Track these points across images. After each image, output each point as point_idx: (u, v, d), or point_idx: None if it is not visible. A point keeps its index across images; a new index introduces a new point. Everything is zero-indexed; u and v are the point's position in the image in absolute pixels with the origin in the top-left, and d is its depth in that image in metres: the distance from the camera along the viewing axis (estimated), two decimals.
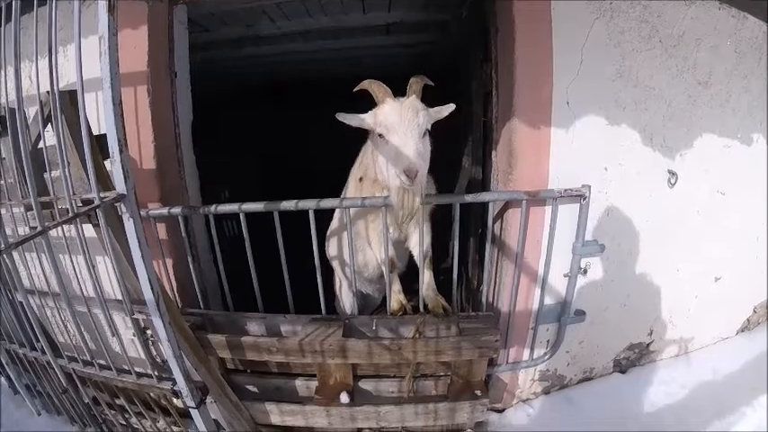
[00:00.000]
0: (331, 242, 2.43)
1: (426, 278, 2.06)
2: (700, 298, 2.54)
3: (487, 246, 2.13)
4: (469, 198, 1.96)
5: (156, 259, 2.21)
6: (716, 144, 2.26)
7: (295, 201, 1.91)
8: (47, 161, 1.72)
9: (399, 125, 1.67)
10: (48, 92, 1.60)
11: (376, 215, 2.02)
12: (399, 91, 1.82)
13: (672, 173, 2.21)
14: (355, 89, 1.86)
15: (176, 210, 2.08)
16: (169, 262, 2.28)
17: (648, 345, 2.58)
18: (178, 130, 2.38)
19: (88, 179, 1.57)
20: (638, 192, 2.21)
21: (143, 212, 2.12)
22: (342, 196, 2.20)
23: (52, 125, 1.67)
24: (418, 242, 2.02)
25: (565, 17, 1.98)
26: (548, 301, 2.26)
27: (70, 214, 1.49)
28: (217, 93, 4.70)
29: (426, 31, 3.55)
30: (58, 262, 1.73)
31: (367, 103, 1.83)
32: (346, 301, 2.57)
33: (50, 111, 1.61)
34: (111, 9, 1.36)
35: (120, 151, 1.43)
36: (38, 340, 1.87)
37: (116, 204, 1.50)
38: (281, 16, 3.02)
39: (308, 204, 1.91)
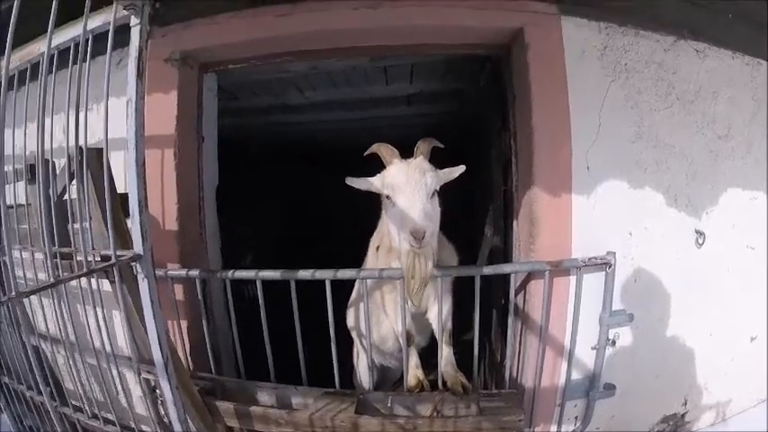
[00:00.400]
0: (350, 312, 2.35)
1: (445, 353, 1.94)
2: (735, 360, 2.35)
3: (510, 318, 2.03)
4: (489, 270, 1.88)
5: (171, 319, 2.16)
6: (741, 197, 2.17)
7: (312, 270, 1.86)
8: (70, 213, 1.73)
9: (406, 185, 1.65)
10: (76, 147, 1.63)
11: (393, 286, 1.94)
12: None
13: (699, 232, 2.12)
14: (366, 153, 1.86)
15: (194, 272, 2.05)
16: (184, 323, 2.21)
17: (684, 415, 2.36)
18: (202, 193, 2.39)
19: (108, 235, 1.56)
20: (665, 255, 2.11)
21: (161, 272, 2.09)
22: (362, 266, 2.14)
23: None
24: (437, 312, 1.92)
25: (580, 81, 1.98)
26: (575, 375, 2.10)
27: (85, 269, 1.47)
28: (243, 154, 4.82)
29: (444, 101, 3.63)
30: (74, 312, 1.73)
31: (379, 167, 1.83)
32: (363, 374, 2.45)
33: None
34: (141, 74, 1.41)
35: (140, 212, 1.43)
36: (47, 385, 1.80)
37: (132, 264, 1.48)
38: (308, 87, 3.12)
39: (325, 275, 1.85)
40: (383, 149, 1.79)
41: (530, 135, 1.99)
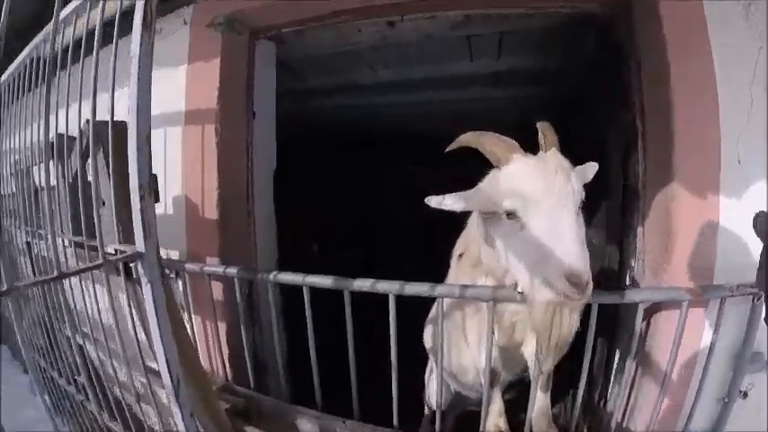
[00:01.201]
0: (428, 329, 1.89)
1: (540, 401, 1.44)
2: None
3: (629, 360, 1.49)
4: (612, 298, 1.33)
5: (209, 321, 1.87)
6: None
7: (371, 281, 1.42)
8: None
9: (547, 196, 1.05)
10: (88, 120, 1.31)
11: (478, 308, 1.46)
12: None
13: None
14: (451, 148, 1.24)
15: (232, 270, 1.70)
16: (222, 327, 1.88)
17: None
18: (252, 176, 2.04)
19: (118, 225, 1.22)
20: None
21: (196, 267, 1.78)
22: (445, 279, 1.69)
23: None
24: (536, 351, 1.39)
25: (722, 45, 1.41)
26: (693, 427, 1.52)
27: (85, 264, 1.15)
28: (303, 140, 4.49)
29: (538, 81, 3.05)
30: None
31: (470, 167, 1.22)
32: (433, 395, 2.00)
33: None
34: (147, 26, 1.02)
35: (142, 199, 1.06)
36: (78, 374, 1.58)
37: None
38: (379, 62, 2.69)
39: (389, 288, 1.39)
40: (488, 141, 1.17)
41: (666, 112, 1.44)
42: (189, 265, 1.82)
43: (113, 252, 1.27)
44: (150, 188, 1.09)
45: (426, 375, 2.18)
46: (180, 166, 1.93)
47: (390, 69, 2.76)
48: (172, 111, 1.91)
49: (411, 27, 2.05)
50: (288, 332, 2.26)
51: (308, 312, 1.57)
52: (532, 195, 1.06)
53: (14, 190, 1.86)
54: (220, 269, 1.72)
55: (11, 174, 1.90)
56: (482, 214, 1.23)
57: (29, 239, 1.82)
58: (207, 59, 1.79)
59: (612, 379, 1.68)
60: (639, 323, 1.43)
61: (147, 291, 1.10)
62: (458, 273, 1.54)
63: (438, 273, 1.69)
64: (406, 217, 5.72)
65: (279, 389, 1.85)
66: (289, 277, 1.58)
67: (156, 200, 1.58)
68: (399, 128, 4.80)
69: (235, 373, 1.91)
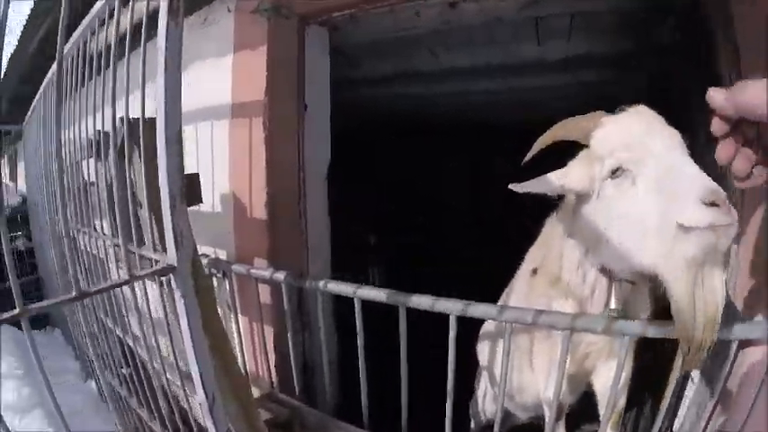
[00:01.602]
0: (482, 344, 1.71)
1: None
2: None
3: (710, 396, 1.23)
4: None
5: (257, 324, 1.76)
6: None
7: (431, 298, 1.25)
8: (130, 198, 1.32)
9: (655, 138, 0.92)
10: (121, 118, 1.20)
11: (549, 333, 1.26)
12: None
13: None
14: (531, 154, 1.09)
15: (279, 275, 1.57)
16: (269, 332, 1.77)
17: None
18: (303, 173, 1.91)
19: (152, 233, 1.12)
20: None
21: (243, 269, 1.67)
22: (508, 289, 1.48)
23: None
24: (609, 382, 1.13)
25: None
26: None
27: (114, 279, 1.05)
28: (358, 130, 4.32)
29: (610, 67, 2.72)
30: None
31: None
32: (481, 407, 1.90)
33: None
34: (174, 12, 0.87)
35: (173, 207, 0.93)
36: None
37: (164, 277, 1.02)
38: (441, 46, 2.47)
39: (451, 308, 1.21)
40: (568, 124, 1.06)
41: None
42: (236, 267, 1.72)
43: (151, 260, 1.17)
44: (182, 195, 0.96)
45: (476, 383, 2.02)
46: (227, 161, 1.82)
47: (452, 54, 2.53)
48: (218, 104, 1.80)
49: (475, 9, 1.83)
50: (339, 338, 2.15)
51: (359, 326, 1.42)
52: (639, 140, 0.93)
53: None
54: (267, 273, 1.61)
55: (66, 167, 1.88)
56: (583, 206, 1.07)
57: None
58: (253, 48, 1.67)
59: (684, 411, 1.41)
60: (731, 361, 1.15)
61: (179, 305, 1.00)
62: (530, 292, 1.33)
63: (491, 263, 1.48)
64: (465, 206, 5.49)
65: (325, 400, 1.73)
66: (339, 287, 1.44)
67: (199, 201, 1.49)
68: (459, 117, 4.54)
69: (281, 380, 1.80)
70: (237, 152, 1.78)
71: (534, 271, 1.31)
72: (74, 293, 0.86)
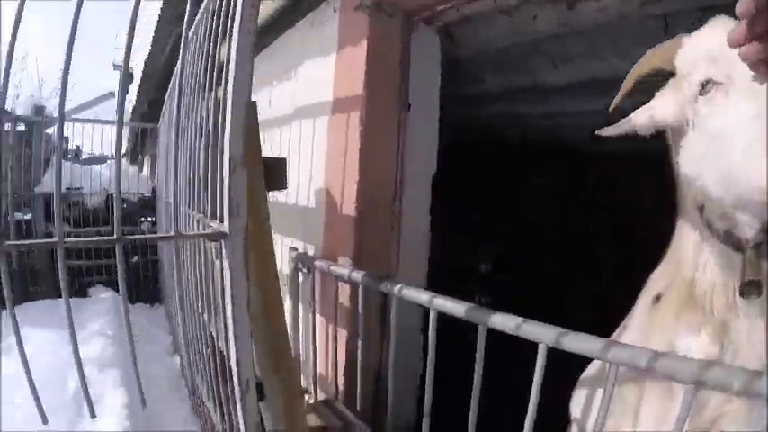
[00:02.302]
0: (578, 394, 1.42)
1: None
2: None
3: None
4: None
5: (333, 325, 1.71)
6: None
7: (518, 319, 1.05)
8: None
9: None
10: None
11: (666, 387, 0.97)
12: None
13: None
14: (620, 97, 1.02)
15: (356, 275, 1.49)
16: (342, 333, 1.68)
17: None
18: (401, 175, 1.82)
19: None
20: None
21: (324, 265, 1.62)
22: (623, 324, 1.21)
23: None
24: None
25: None
26: None
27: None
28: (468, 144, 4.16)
29: None
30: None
31: None
32: None
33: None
34: None
35: (231, 174, 0.90)
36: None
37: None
38: (561, 54, 2.24)
39: (541, 335, 1.00)
40: (651, 54, 0.98)
41: None
42: (318, 263, 1.69)
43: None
44: (242, 163, 0.93)
45: None
46: (324, 156, 1.81)
47: (574, 62, 2.28)
48: (321, 100, 1.82)
49: (595, 7, 1.62)
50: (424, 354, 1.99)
51: (431, 339, 1.26)
52: (724, 48, 0.70)
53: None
54: (346, 272, 1.53)
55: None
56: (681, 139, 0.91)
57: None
58: (354, 44, 1.66)
59: None
60: None
61: (226, 274, 0.95)
62: (649, 325, 1.05)
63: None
64: (555, 223, 4.97)
65: (393, 417, 1.58)
66: (415, 294, 1.32)
67: (283, 186, 1.47)
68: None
69: (346, 388, 1.71)
70: (334, 147, 1.77)
71: (657, 298, 1.03)
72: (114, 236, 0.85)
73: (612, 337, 1.24)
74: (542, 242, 4.89)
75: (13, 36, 0.79)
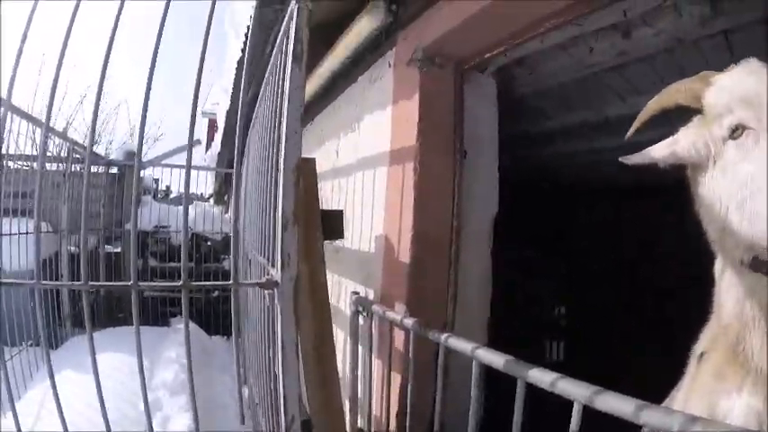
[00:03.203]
0: None
1: None
2: None
3: None
4: None
5: (388, 369, 1.76)
6: None
7: (554, 376, 1.06)
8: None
9: None
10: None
11: None
12: None
13: None
14: (637, 125, 1.07)
15: (408, 321, 1.57)
16: (396, 378, 1.74)
17: None
18: (458, 220, 1.89)
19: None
20: None
21: (380, 310, 1.71)
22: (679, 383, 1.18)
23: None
24: None
25: None
26: None
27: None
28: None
29: None
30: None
31: None
32: None
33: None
34: (297, 58, 0.99)
35: (285, 229, 1.03)
36: None
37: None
38: (625, 85, 2.22)
39: (575, 393, 0.99)
40: (675, 87, 1.00)
41: None
42: (375, 307, 1.79)
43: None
44: (294, 219, 1.06)
45: None
46: (383, 205, 1.93)
47: (640, 96, 2.25)
48: (380, 151, 1.95)
49: (650, 32, 1.64)
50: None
51: (473, 391, 1.29)
52: (758, 94, 0.83)
53: None
54: (398, 317, 1.61)
55: None
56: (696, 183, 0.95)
57: None
58: (408, 98, 1.80)
59: None
60: None
61: (279, 321, 1.07)
62: (693, 384, 1.02)
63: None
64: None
65: None
66: (459, 344, 1.35)
67: (340, 237, 1.60)
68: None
69: (397, 430, 1.76)
70: (392, 196, 1.89)
71: (701, 356, 1.01)
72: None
73: (670, 396, 1.21)
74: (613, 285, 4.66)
75: (100, 87, 1.00)
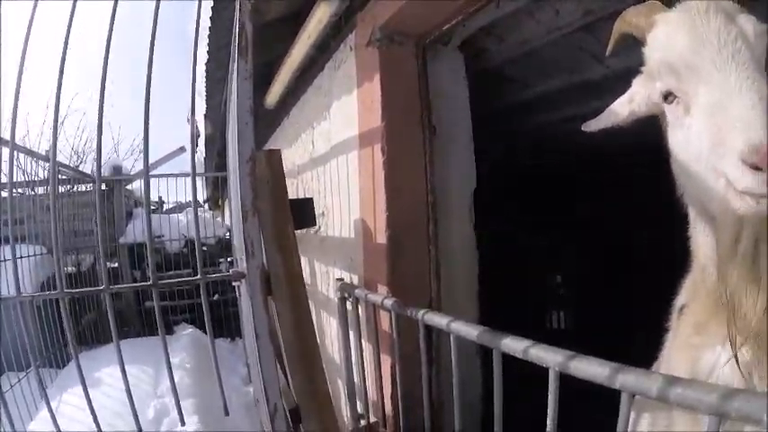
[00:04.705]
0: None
1: None
2: None
3: None
4: None
5: (378, 351, 1.78)
6: None
7: (527, 343, 1.05)
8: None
9: (703, 52, 0.74)
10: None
11: (695, 417, 0.90)
12: None
13: None
14: (610, 48, 1.02)
15: (388, 301, 1.58)
16: (386, 360, 1.76)
17: None
18: (433, 197, 1.89)
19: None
20: None
21: (362, 293, 1.73)
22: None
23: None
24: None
25: None
26: None
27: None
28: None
29: None
30: None
31: None
32: None
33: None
34: (243, 52, 1.02)
35: (245, 220, 1.05)
36: None
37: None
38: (602, 48, 2.20)
39: (548, 359, 0.98)
40: (628, 14, 0.93)
41: None
42: (357, 291, 1.81)
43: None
44: (253, 209, 1.07)
45: None
46: (357, 189, 1.94)
47: (617, 56, 2.22)
48: (349, 136, 1.96)
49: None
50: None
51: (454, 363, 1.30)
52: (684, 58, 0.77)
53: None
54: (379, 299, 1.62)
55: None
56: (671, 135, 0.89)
57: None
58: (371, 79, 1.80)
59: None
60: None
61: (247, 311, 1.10)
62: (674, 340, 1.00)
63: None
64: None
65: None
66: (435, 319, 1.36)
67: (312, 224, 1.61)
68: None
69: (393, 413, 1.79)
70: (364, 179, 1.90)
71: (681, 309, 0.98)
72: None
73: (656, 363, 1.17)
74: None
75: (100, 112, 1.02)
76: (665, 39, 0.83)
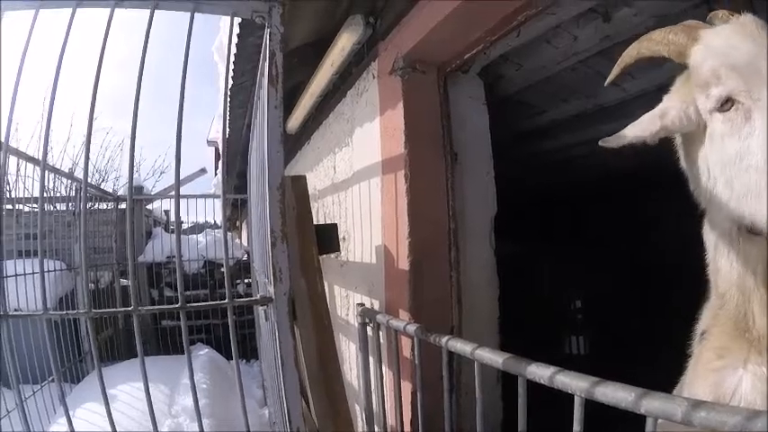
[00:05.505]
0: None
1: None
2: None
3: None
4: None
5: (398, 377, 1.77)
6: None
7: (553, 370, 1.06)
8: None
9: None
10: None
11: None
12: None
13: None
14: (613, 75, 0.99)
15: (411, 327, 1.58)
16: (407, 389, 1.76)
17: None
18: (454, 224, 1.92)
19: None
20: None
21: (383, 319, 1.73)
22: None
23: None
24: None
25: None
26: None
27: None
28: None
29: None
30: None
31: None
32: None
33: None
34: (273, 81, 1.06)
35: (274, 245, 1.07)
36: None
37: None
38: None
39: (574, 386, 0.97)
40: (656, 37, 0.89)
41: None
42: (379, 317, 1.81)
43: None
44: (283, 236, 1.10)
45: None
46: (380, 215, 1.97)
47: (633, 77, 2.25)
48: (373, 162, 2.00)
49: (630, 12, 1.70)
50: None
51: (478, 392, 1.30)
52: (750, 60, 0.76)
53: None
54: (401, 324, 1.63)
55: None
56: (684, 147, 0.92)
57: None
58: (394, 107, 1.84)
59: None
60: None
61: (268, 335, 1.12)
62: (696, 366, 0.99)
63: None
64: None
65: None
66: (459, 345, 1.37)
67: (335, 249, 1.63)
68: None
69: None
70: (387, 205, 1.94)
71: (702, 334, 0.98)
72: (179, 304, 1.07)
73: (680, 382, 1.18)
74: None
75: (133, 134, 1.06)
76: (724, 44, 0.81)
